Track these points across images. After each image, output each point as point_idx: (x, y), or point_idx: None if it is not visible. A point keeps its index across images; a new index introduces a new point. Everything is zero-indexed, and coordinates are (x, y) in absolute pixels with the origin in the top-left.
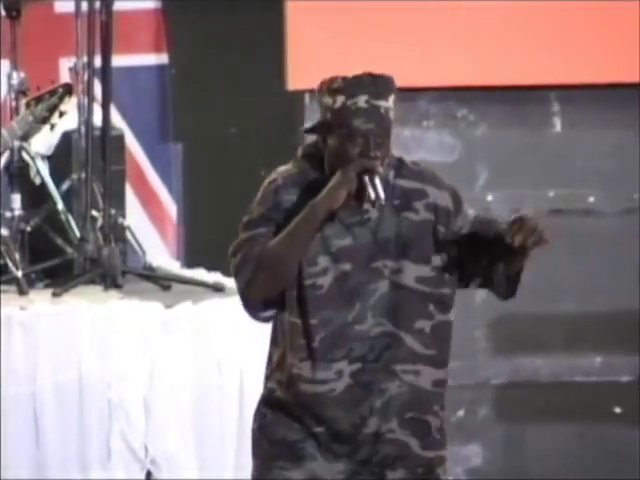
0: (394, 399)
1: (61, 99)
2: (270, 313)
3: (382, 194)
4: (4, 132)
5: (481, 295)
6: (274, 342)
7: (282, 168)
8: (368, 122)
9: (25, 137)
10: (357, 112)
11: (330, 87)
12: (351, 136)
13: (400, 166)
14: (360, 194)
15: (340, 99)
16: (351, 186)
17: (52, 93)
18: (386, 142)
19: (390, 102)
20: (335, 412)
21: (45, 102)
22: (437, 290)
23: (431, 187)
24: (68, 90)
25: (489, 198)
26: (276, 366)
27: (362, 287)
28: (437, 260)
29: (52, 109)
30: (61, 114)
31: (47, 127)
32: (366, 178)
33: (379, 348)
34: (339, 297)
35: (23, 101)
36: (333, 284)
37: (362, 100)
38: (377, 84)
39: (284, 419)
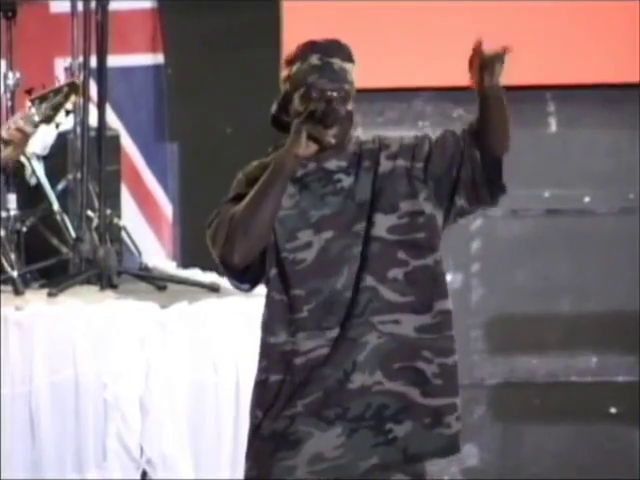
0: (375, 351)
1: (67, 97)
2: (248, 285)
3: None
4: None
5: (477, 295)
6: (261, 329)
7: (256, 161)
8: (322, 77)
9: None
10: (311, 69)
11: (286, 60)
12: (307, 92)
13: (360, 139)
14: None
15: (296, 65)
16: (308, 126)
17: (57, 92)
18: (343, 99)
19: (346, 64)
20: (322, 371)
21: (50, 101)
22: (409, 236)
23: (391, 139)
24: (74, 88)
25: None
26: (262, 353)
27: (346, 252)
28: (407, 205)
29: (57, 108)
30: (67, 113)
31: (45, 126)
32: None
33: (363, 303)
34: (325, 267)
35: (27, 100)
36: (318, 255)
37: (315, 58)
38: (329, 46)
39: (274, 410)
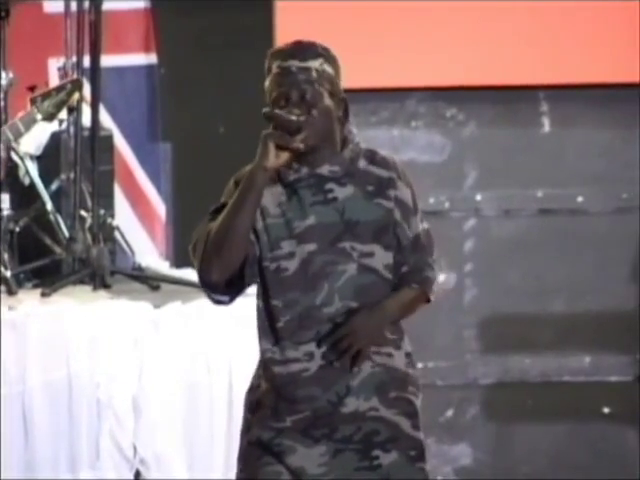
0: (370, 377)
1: (70, 95)
2: (228, 297)
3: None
4: (6, 130)
5: (470, 294)
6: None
7: (249, 166)
8: (281, 85)
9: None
10: (273, 79)
11: (266, 71)
12: (274, 104)
13: (372, 155)
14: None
15: (268, 77)
16: (274, 137)
17: (59, 89)
18: (307, 98)
19: (308, 63)
20: (311, 391)
21: (52, 98)
22: (394, 279)
23: (399, 181)
24: (77, 86)
25: (478, 198)
26: (258, 362)
27: (328, 268)
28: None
29: (60, 105)
30: (70, 110)
31: (40, 125)
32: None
33: None
34: (305, 279)
35: (29, 97)
36: (299, 267)
37: (275, 66)
38: (286, 50)
39: (261, 418)
